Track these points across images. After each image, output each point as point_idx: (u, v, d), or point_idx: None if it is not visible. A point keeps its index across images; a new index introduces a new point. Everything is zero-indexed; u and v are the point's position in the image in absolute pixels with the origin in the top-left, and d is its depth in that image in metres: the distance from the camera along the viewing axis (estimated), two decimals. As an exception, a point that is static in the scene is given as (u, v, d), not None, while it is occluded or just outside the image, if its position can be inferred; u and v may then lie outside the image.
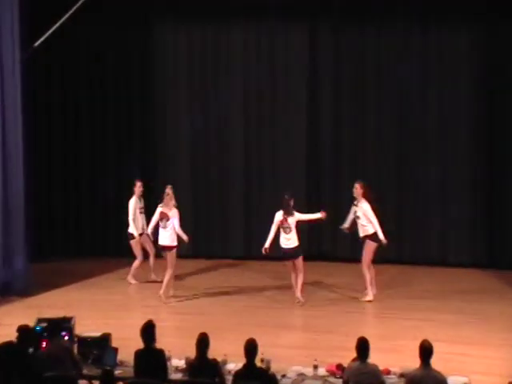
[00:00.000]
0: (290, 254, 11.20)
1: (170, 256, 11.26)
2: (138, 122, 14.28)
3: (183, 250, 13.27)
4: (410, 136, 13.59)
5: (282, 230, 11.16)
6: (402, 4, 12.78)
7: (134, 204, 12.19)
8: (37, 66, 13.39)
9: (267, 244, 11.12)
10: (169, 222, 11.20)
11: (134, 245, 12.26)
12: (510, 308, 10.97)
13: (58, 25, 11.74)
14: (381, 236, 11.10)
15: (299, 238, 11.16)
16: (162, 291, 11.21)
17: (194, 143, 14.23)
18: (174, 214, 11.20)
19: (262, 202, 14.06)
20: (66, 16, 11.71)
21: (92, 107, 14.28)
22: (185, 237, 11.29)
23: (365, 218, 11.19)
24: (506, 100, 13.07)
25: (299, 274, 11.19)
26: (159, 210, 11.29)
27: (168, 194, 11.25)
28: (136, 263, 12.34)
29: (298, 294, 11.16)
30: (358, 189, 11.25)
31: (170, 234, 11.21)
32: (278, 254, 13.68)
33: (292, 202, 11.13)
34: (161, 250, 11.53)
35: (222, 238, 14.19)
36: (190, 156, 14.25)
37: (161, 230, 11.29)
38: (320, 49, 13.78)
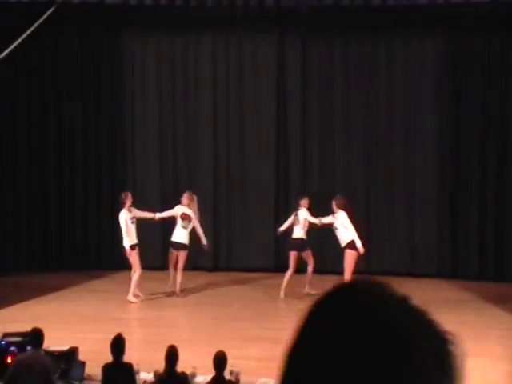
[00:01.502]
0: None
1: (183, 255, 11.98)
2: (106, 134, 14.20)
3: (152, 262, 13.25)
4: (377, 149, 13.72)
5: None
6: (370, 17, 12.89)
7: (124, 216, 12.02)
8: (2, 78, 13.31)
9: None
10: (191, 224, 11.99)
11: (132, 258, 11.98)
12: (472, 317, 11.09)
13: (24, 36, 11.67)
14: (358, 244, 11.24)
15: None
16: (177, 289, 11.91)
17: (163, 155, 14.20)
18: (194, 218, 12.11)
19: (231, 214, 14.08)
20: (33, 28, 11.66)
21: (59, 120, 14.18)
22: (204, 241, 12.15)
23: (342, 227, 11.37)
24: (471, 112, 13.26)
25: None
26: (181, 208, 12.00)
27: (193, 199, 12.11)
28: (136, 277, 11.90)
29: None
30: (334, 203, 11.55)
31: (186, 234, 12.03)
32: (245, 265, 13.78)
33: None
34: (174, 247, 12.07)
35: (191, 249, 14.14)
36: (159, 168, 14.20)
37: (180, 229, 11.97)
38: (288, 61, 13.86)
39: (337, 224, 11.56)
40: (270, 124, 13.94)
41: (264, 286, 13.06)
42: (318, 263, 13.45)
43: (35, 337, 7.17)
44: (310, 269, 12.15)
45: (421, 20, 12.98)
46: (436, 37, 13.34)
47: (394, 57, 13.59)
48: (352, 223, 11.47)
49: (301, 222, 11.92)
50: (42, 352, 7.74)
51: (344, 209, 11.54)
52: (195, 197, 12.21)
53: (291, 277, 12.08)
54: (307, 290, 12.02)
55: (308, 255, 12.16)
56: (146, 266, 12.50)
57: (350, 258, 11.44)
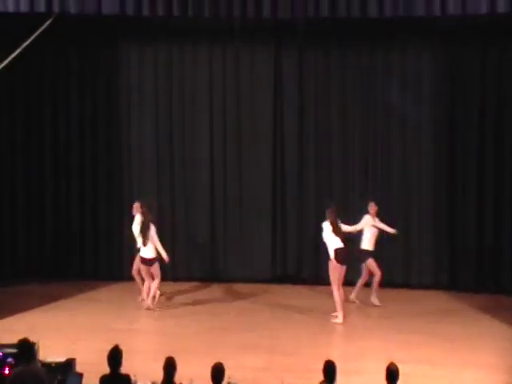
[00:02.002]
0: None
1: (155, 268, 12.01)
2: (103, 144, 14.20)
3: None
4: (373, 161, 13.75)
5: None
6: (367, 28, 12.95)
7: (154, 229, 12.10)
8: (0, 89, 13.33)
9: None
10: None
11: (156, 267, 12.02)
12: (470, 329, 11.12)
13: (22, 47, 11.69)
14: (330, 255, 11.25)
15: None
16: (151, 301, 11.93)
17: (160, 166, 14.20)
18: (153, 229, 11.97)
19: (227, 225, 14.09)
20: (31, 39, 11.66)
21: (56, 130, 14.17)
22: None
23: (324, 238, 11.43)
24: (468, 122, 13.32)
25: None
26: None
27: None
28: (156, 284, 12.06)
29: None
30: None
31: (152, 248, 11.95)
32: (242, 275, 13.79)
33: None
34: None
35: (187, 260, 14.16)
36: (157, 179, 14.20)
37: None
38: (285, 71, 13.89)
39: (323, 235, 11.48)
40: (267, 135, 13.96)
41: (260, 297, 13.07)
42: (300, 273, 13.59)
43: (26, 350, 7.12)
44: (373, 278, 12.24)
45: (418, 31, 13.03)
46: (433, 48, 13.40)
47: (391, 68, 13.63)
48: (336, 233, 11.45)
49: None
50: (39, 364, 7.75)
51: (329, 218, 11.43)
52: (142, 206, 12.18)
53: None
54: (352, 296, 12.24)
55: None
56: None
57: (331, 268, 11.40)
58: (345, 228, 11.57)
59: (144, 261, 12.02)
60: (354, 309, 12.05)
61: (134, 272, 12.45)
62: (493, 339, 10.63)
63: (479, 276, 13.33)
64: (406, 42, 13.44)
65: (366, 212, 12.16)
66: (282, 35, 13.71)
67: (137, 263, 12.33)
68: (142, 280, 12.25)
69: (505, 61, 13.08)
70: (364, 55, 13.64)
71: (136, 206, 12.40)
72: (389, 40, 13.43)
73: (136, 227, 12.14)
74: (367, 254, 12.12)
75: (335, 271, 11.29)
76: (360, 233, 12.15)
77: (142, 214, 12.05)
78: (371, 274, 12.22)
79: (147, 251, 11.97)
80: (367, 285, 12.40)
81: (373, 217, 12.11)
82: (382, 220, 12.25)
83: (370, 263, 12.14)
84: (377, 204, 12.21)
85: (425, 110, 13.54)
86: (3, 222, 14.16)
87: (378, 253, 12.30)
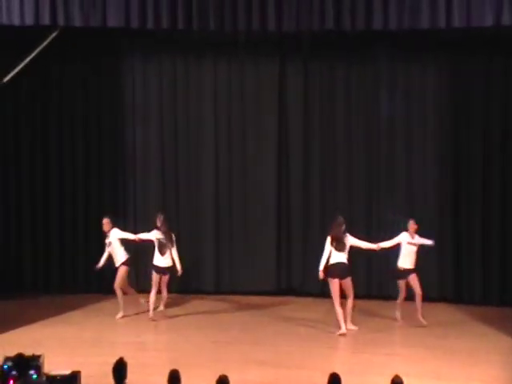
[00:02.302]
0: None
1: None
2: (106, 157, 14.21)
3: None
4: (378, 173, 13.73)
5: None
6: (371, 40, 12.97)
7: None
8: (5, 102, 13.38)
9: None
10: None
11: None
12: (476, 343, 11.07)
13: (27, 60, 11.74)
14: (319, 267, 11.35)
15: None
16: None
17: (165, 179, 14.21)
18: None
19: (231, 239, 14.08)
20: (36, 51, 11.72)
21: (60, 144, 14.18)
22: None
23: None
24: (471, 134, 13.30)
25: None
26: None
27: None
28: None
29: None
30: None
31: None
32: (247, 288, 13.76)
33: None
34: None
35: (193, 272, 14.15)
36: (162, 191, 14.21)
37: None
38: (290, 83, 13.90)
39: None
40: (272, 147, 13.96)
41: (265, 310, 13.04)
42: (304, 286, 13.56)
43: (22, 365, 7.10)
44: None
45: (422, 43, 13.04)
46: (437, 60, 13.40)
47: (396, 80, 13.63)
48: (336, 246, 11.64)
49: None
50: (44, 378, 7.74)
51: (331, 231, 11.57)
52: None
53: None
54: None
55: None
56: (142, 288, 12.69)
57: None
58: (382, 244, 11.79)
59: (161, 270, 12.18)
60: (361, 322, 11.97)
61: (120, 286, 12.45)
62: (498, 353, 10.57)
63: (485, 288, 13.27)
64: (411, 53, 13.43)
65: (405, 229, 11.97)
66: (286, 48, 13.72)
67: (123, 277, 12.39)
68: (124, 293, 12.41)
69: (510, 72, 13.06)
70: (368, 67, 13.65)
71: (106, 221, 12.55)
72: (393, 52, 13.43)
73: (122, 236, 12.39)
74: (402, 271, 11.95)
75: (330, 285, 11.40)
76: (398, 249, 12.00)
77: (163, 223, 12.27)
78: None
79: (165, 260, 12.17)
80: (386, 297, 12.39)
81: (411, 234, 11.94)
82: (421, 235, 12.07)
83: (411, 279, 11.94)
84: (416, 223, 11.97)
85: (429, 122, 13.53)
86: (8, 233, 14.17)
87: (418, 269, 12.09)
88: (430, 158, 13.56)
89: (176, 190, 14.21)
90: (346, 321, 11.44)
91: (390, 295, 12.83)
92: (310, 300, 13.56)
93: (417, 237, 11.99)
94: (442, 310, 12.96)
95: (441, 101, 13.46)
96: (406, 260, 11.92)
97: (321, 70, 13.83)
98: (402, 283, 11.99)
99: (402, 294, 12.06)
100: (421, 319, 11.91)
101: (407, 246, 11.92)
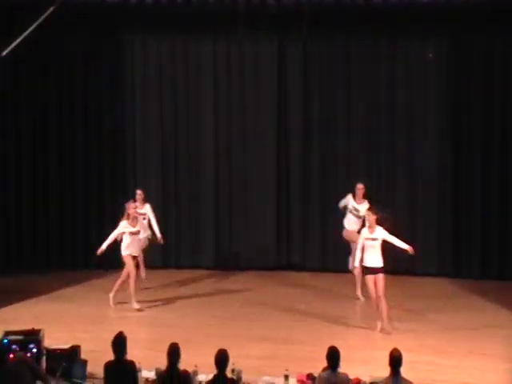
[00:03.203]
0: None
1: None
2: (107, 134, 14.16)
3: (153, 261, 13.29)
4: (378, 149, 13.72)
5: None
6: (371, 15, 12.89)
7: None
8: (4, 76, 13.32)
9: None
10: None
11: None
12: (475, 317, 11.11)
13: (26, 34, 11.67)
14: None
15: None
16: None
17: (164, 156, 14.19)
18: None
19: (232, 214, 14.09)
20: (34, 25, 11.65)
21: (59, 121, 14.13)
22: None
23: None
24: (471, 110, 13.27)
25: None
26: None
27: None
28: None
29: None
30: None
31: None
32: (248, 264, 13.80)
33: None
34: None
35: (193, 248, 14.16)
36: (161, 169, 14.19)
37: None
38: (289, 59, 13.85)
39: None
40: (271, 123, 13.92)
41: (265, 286, 13.07)
42: (304, 262, 13.50)
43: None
44: None
45: (422, 18, 12.96)
46: (437, 34, 13.32)
47: (396, 55, 13.58)
48: None
49: None
50: (44, 352, 7.77)
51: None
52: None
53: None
54: None
55: None
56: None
57: None
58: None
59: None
60: (354, 298, 11.98)
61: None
62: (498, 327, 10.60)
63: (484, 263, 13.29)
64: (411, 28, 13.35)
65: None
66: (286, 23, 13.65)
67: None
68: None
69: (510, 42, 12.99)
70: (368, 43, 13.57)
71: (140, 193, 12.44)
72: (393, 27, 13.35)
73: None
74: None
75: None
76: None
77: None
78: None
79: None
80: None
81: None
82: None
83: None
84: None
85: (429, 96, 13.45)
86: (9, 212, 14.17)
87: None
88: (431, 132, 13.53)
89: (176, 165, 14.19)
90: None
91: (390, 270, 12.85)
92: (309, 275, 13.58)
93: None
94: (442, 285, 12.99)
95: (440, 74, 13.40)
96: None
97: (320, 44, 13.76)
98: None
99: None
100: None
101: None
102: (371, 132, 13.71)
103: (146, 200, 12.51)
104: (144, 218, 12.31)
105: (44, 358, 7.90)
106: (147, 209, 12.41)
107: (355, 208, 11.88)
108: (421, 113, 13.53)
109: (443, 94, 13.43)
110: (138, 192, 12.47)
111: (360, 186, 11.96)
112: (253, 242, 13.96)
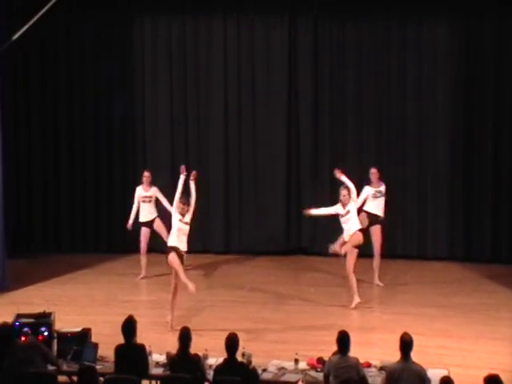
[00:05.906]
0: None
1: None
2: (117, 118, 14.14)
3: (161, 246, 13.27)
4: (388, 134, 13.63)
5: None
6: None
7: None
8: (15, 61, 13.33)
9: None
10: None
11: None
12: (485, 300, 11.10)
13: (35, 18, 11.64)
14: None
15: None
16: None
17: (174, 142, 14.15)
18: None
19: (242, 198, 14.08)
20: (44, 10, 11.62)
21: (70, 99, 14.14)
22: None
23: None
24: (483, 94, 13.17)
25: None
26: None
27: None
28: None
29: None
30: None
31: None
32: (258, 249, 13.79)
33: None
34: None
35: (202, 233, 14.16)
36: (171, 153, 14.17)
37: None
38: (300, 42, 13.77)
39: None
40: (281, 105, 13.83)
41: (275, 270, 13.06)
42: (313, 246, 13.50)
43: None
44: None
45: (433, 1, 12.86)
46: (449, 17, 13.22)
47: (407, 39, 13.48)
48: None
49: None
50: (55, 334, 7.82)
51: None
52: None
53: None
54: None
55: None
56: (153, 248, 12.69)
57: None
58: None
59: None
60: (368, 282, 11.97)
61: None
62: (508, 310, 10.59)
63: (494, 247, 13.24)
64: (422, 11, 13.26)
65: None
66: (296, 5, 13.57)
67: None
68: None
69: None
70: (379, 26, 13.47)
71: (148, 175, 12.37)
72: (404, 10, 13.25)
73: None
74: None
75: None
76: None
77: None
78: None
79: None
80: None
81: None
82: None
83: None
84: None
85: (439, 79, 13.37)
86: (21, 196, 14.22)
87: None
88: (442, 116, 13.44)
89: (185, 145, 14.16)
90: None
91: (396, 255, 12.87)
92: (319, 259, 13.57)
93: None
94: (452, 269, 12.96)
95: (452, 58, 13.31)
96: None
97: (331, 28, 13.68)
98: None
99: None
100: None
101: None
102: (381, 118, 13.62)
103: (153, 183, 12.43)
104: (150, 201, 12.26)
105: (55, 340, 7.93)
106: (155, 191, 12.34)
107: (377, 191, 11.91)
108: (431, 95, 13.41)
109: (455, 77, 13.33)
110: (146, 174, 12.36)
111: (374, 171, 11.97)
112: (262, 227, 13.93)
